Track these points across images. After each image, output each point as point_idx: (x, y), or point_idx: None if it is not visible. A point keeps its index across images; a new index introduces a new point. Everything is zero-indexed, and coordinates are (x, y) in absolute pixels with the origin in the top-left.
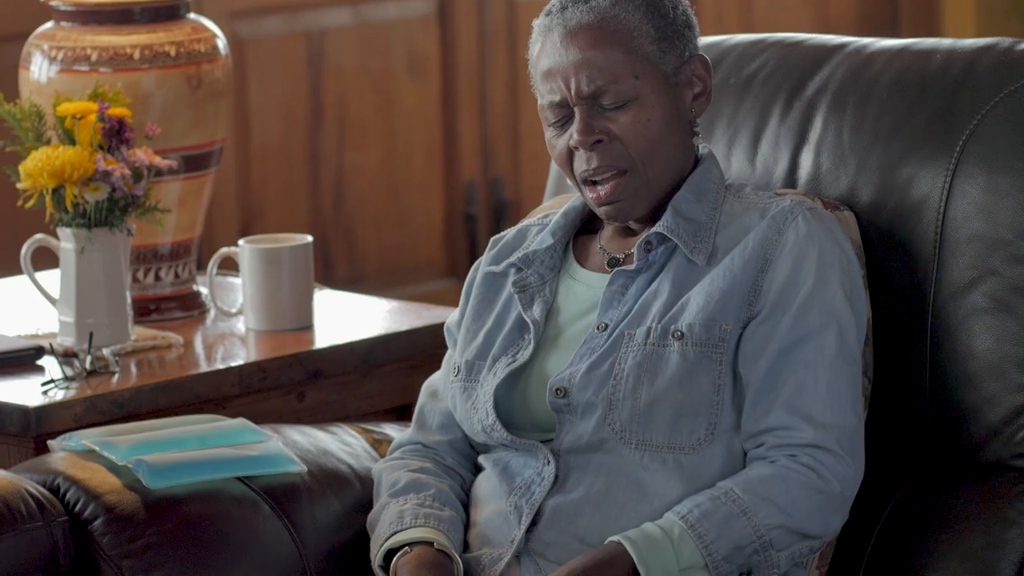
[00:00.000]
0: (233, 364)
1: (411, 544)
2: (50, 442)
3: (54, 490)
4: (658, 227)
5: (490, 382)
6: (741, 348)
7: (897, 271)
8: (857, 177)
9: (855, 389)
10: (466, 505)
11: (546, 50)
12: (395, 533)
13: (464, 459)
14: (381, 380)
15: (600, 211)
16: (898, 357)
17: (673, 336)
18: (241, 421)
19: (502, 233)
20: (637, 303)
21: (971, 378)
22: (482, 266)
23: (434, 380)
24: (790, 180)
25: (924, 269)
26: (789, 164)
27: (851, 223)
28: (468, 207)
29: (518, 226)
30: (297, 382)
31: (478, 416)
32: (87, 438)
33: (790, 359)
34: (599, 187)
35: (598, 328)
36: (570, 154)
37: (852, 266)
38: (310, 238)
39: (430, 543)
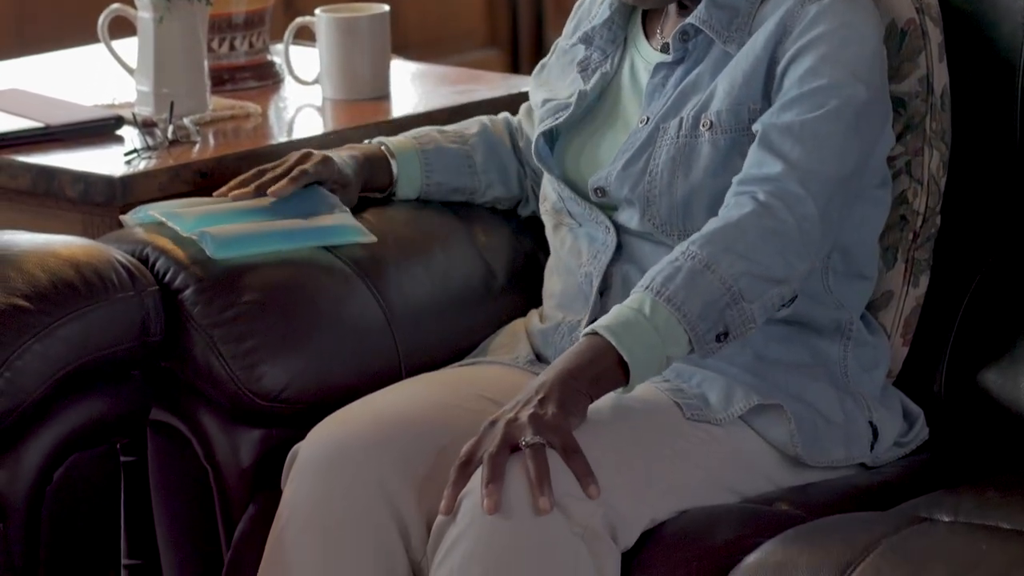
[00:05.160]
0: (313, 134)
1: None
2: (122, 217)
3: (143, 260)
4: (691, 18)
5: (534, 139)
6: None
7: (982, 38)
8: None
9: (845, 150)
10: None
11: None
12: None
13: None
14: None
15: None
16: (983, 123)
17: (703, 126)
18: (313, 188)
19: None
20: (675, 94)
21: None
22: (561, 38)
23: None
24: None
25: (1012, 35)
26: None
27: None
28: None
29: None
30: None
31: (544, 182)
32: (155, 209)
33: (786, 111)
34: None
35: (641, 122)
36: None
37: (870, 47)
38: (387, 7)
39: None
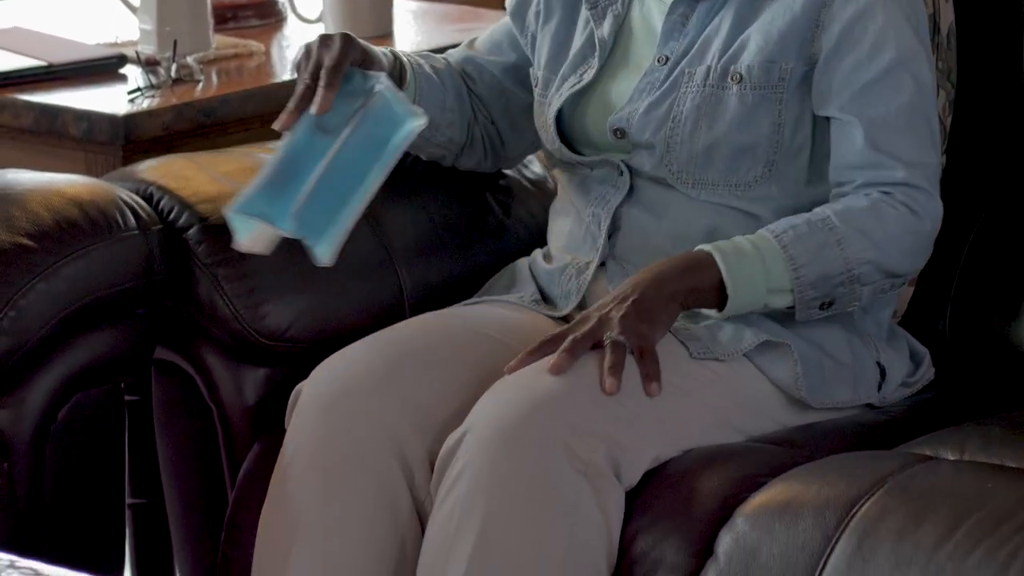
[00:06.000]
0: None
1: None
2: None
3: (147, 199)
4: None
5: (555, 104)
6: (815, 87)
7: None
8: None
9: (933, 127)
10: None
11: None
12: None
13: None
14: None
15: None
16: (989, 62)
17: (732, 79)
18: (349, 74)
19: None
20: (700, 38)
21: None
22: None
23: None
24: None
25: None
26: None
27: None
28: None
29: None
30: None
31: (547, 137)
32: (242, 209)
33: (870, 98)
34: None
35: (659, 61)
36: None
37: (912, 2)
38: None
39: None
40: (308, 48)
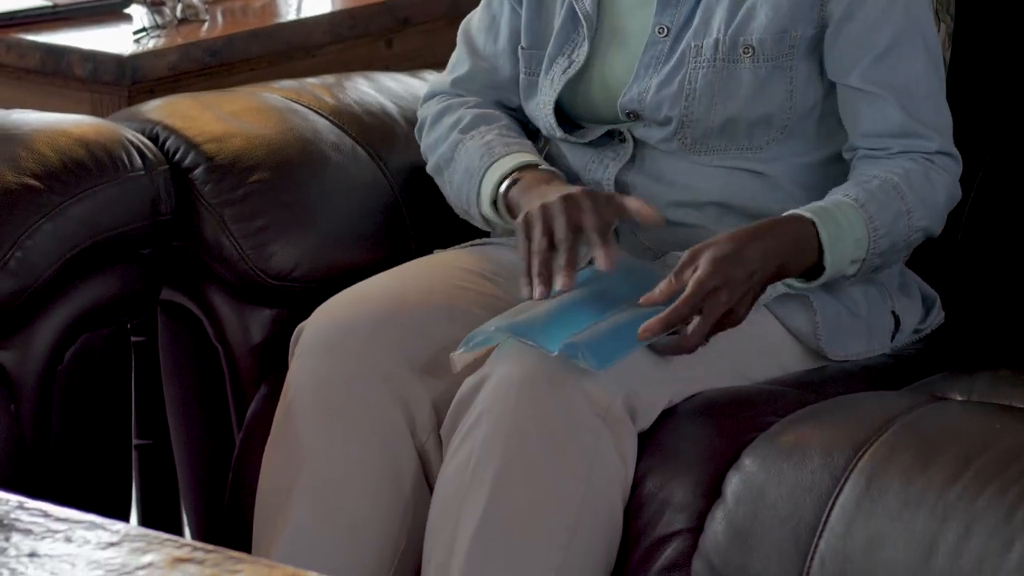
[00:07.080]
0: (322, 12)
1: (516, 171)
2: (453, 355)
3: (153, 139)
4: None
5: (547, 91)
6: (828, 53)
7: None
8: None
9: (944, 83)
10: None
11: None
12: (493, 164)
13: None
14: None
15: None
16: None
17: (744, 52)
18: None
19: None
20: (700, 4)
21: None
22: None
23: (471, 29)
24: None
25: None
26: None
27: None
28: None
29: None
30: (386, 29)
31: (544, 122)
32: (488, 334)
33: (890, 65)
34: None
35: (659, 31)
36: None
37: None
38: None
39: (534, 165)
40: (577, 201)
